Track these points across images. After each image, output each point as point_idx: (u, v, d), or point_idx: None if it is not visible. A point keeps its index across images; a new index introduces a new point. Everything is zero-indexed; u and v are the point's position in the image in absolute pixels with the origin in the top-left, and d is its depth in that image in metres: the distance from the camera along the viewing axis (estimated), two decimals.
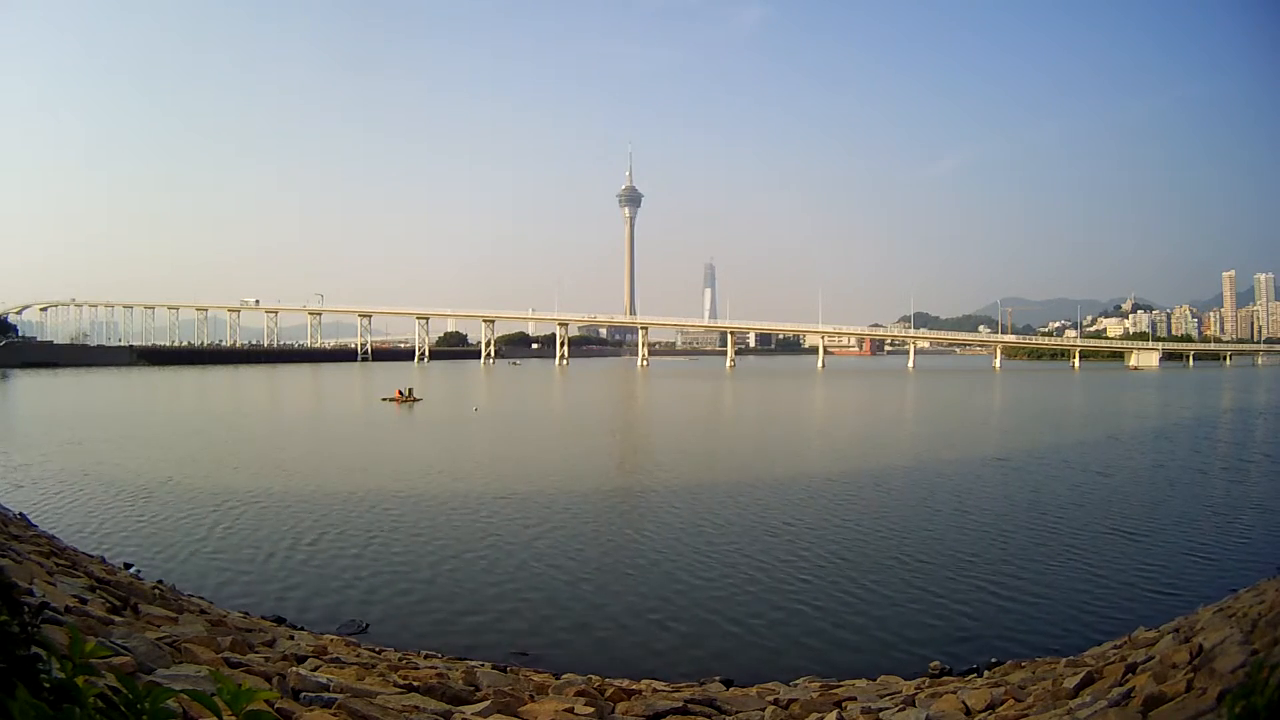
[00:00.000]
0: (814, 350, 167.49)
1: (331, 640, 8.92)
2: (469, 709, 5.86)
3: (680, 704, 6.78)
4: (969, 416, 48.37)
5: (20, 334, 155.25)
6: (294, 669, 5.92)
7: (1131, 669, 5.46)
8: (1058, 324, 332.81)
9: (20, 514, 12.32)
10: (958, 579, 12.85)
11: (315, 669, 6.33)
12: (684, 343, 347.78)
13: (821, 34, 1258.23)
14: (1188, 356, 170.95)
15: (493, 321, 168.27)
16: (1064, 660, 7.72)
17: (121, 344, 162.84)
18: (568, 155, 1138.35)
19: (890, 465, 25.75)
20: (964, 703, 6.18)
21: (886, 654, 9.85)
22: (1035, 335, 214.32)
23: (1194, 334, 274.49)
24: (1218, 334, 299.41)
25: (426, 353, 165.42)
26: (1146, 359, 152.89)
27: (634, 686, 7.74)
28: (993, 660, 9.06)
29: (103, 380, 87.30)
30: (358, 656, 7.83)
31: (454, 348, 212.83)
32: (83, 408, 51.86)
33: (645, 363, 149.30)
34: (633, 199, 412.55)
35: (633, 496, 20.54)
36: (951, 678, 8.28)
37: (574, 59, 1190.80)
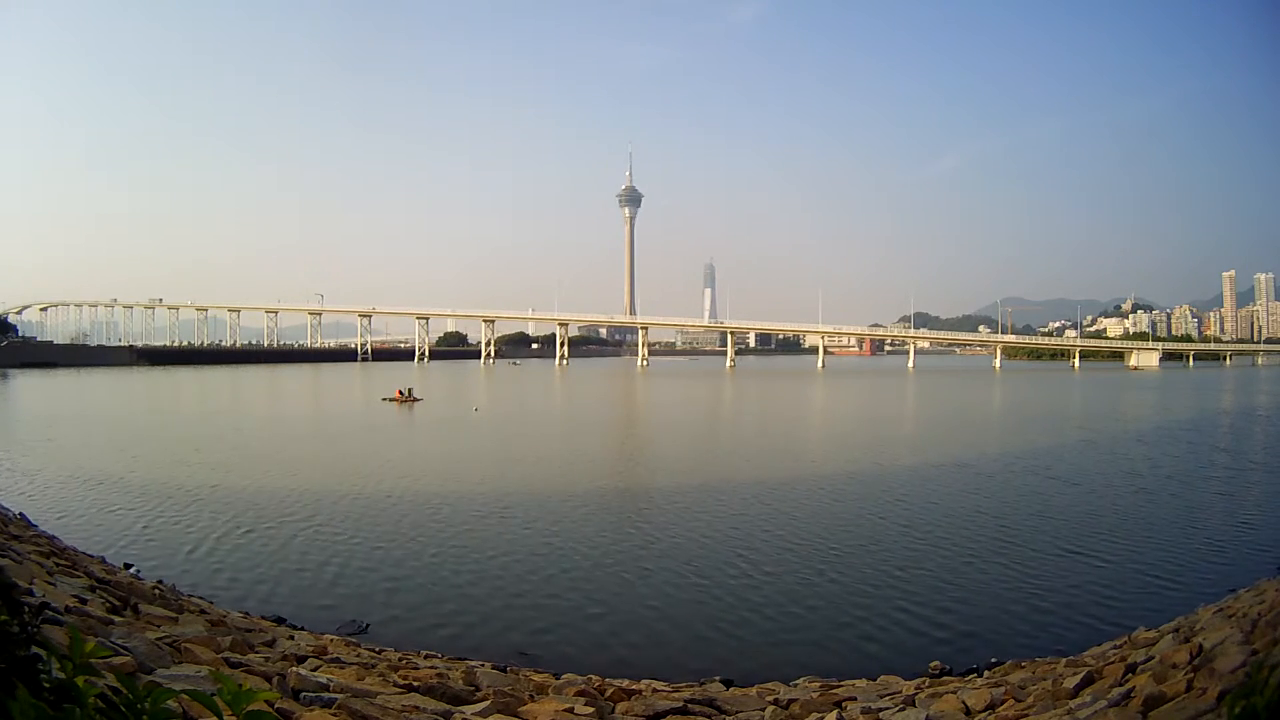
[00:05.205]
0: (814, 350, 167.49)
1: (331, 640, 8.92)
2: (469, 709, 5.86)
3: (680, 704, 6.78)
4: (969, 418, 48.38)
5: (20, 334, 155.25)
6: (294, 669, 5.92)
7: (1131, 669, 5.46)
8: (1058, 324, 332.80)
9: (20, 514, 12.32)
10: (958, 579, 12.85)
11: (315, 669, 6.33)
12: (684, 343, 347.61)
13: (820, 32, 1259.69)
14: (1188, 356, 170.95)
15: (493, 321, 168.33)
16: (1064, 660, 7.72)
17: (121, 344, 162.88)
18: (568, 155, 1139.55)
19: (890, 466, 25.75)
20: (964, 703, 6.18)
21: (886, 654, 9.85)
22: (1035, 335, 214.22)
23: (1194, 334, 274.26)
24: (1218, 334, 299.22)
25: (426, 353, 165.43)
26: (1146, 359, 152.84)
27: (634, 686, 7.74)
28: (993, 660, 9.06)
29: (102, 380, 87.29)
30: (358, 656, 7.82)
31: (454, 348, 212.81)
32: (81, 408, 51.86)
33: (645, 363, 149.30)
34: (633, 199, 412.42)
35: (632, 497, 20.53)
36: (951, 678, 8.28)
37: (573, 58, 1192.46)
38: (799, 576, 13.01)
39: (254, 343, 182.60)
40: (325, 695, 5.19)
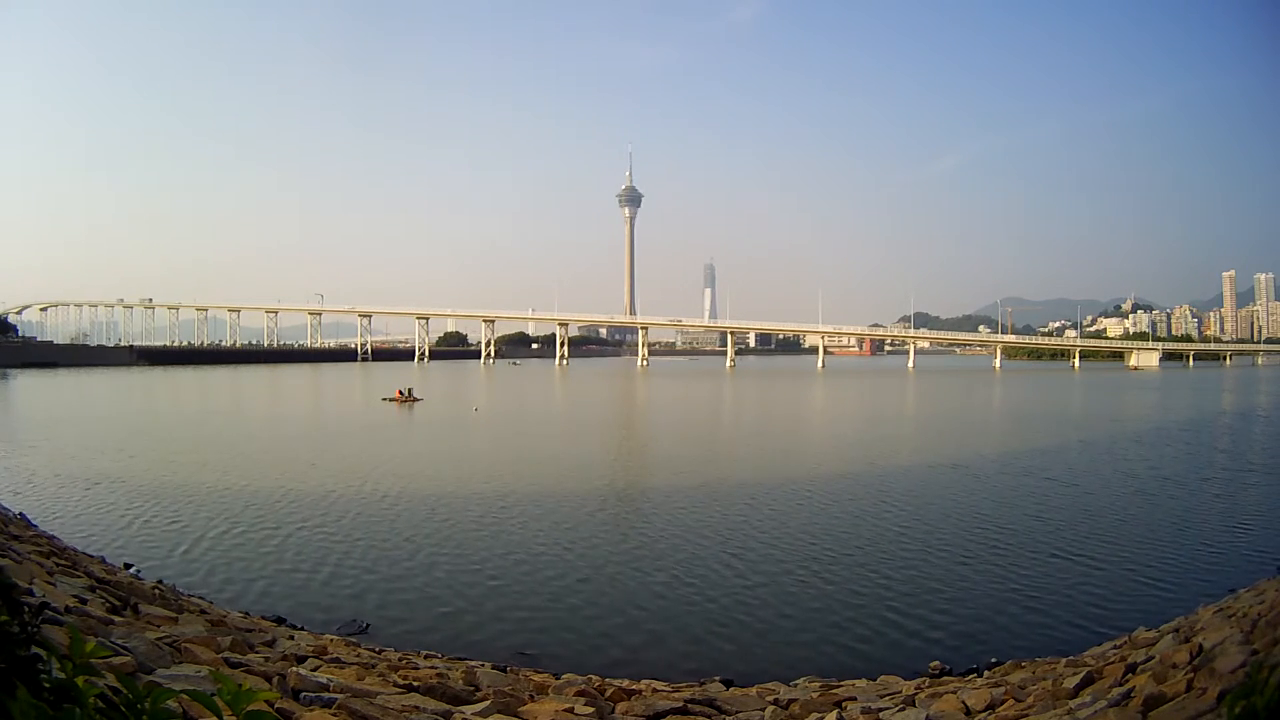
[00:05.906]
0: (814, 350, 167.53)
1: (331, 640, 8.92)
2: (469, 709, 5.86)
3: (680, 704, 6.78)
4: (969, 419, 48.39)
5: (20, 334, 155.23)
6: (294, 669, 5.92)
7: (1131, 669, 5.46)
8: (1058, 324, 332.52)
9: (20, 514, 12.32)
10: (957, 579, 12.85)
11: (315, 669, 6.33)
12: (684, 343, 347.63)
13: (820, 32, 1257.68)
14: (1188, 356, 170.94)
15: (493, 321, 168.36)
16: (1064, 660, 7.72)
17: (121, 344, 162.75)
18: (568, 155, 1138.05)
19: (890, 467, 25.75)
20: (964, 703, 6.18)
21: (886, 654, 9.85)
22: (1035, 335, 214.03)
23: (1194, 334, 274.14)
24: (1218, 334, 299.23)
25: (426, 353, 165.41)
26: (1146, 359, 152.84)
27: (634, 686, 7.74)
28: (993, 660, 9.06)
29: (102, 380, 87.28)
30: (358, 656, 7.83)
31: (454, 348, 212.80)
32: (81, 408, 51.85)
33: (645, 363, 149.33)
34: (633, 199, 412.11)
35: (633, 497, 20.54)
36: (951, 678, 8.28)
37: (574, 58, 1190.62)
38: (799, 577, 13.00)
39: (254, 343, 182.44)
40: (325, 695, 5.19)
